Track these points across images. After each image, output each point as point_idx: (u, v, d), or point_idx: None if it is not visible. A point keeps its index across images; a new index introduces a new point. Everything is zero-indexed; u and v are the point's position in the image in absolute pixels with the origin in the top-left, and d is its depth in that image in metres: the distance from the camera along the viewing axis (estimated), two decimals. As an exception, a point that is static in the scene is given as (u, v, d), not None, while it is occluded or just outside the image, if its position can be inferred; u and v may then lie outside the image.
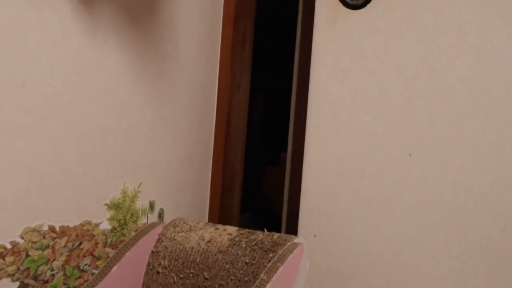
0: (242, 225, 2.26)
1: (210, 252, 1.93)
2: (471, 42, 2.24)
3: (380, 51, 2.41)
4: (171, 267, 1.96)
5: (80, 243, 1.88)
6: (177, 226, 2.05)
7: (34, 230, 1.68)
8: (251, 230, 1.99)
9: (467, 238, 2.26)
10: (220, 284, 1.88)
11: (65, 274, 1.83)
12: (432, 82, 2.31)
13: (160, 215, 2.29)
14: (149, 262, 1.99)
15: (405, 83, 2.36)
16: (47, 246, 1.74)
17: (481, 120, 2.23)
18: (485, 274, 2.23)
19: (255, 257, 1.86)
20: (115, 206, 2.02)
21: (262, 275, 1.70)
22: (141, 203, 2.16)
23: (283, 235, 1.93)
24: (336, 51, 2.50)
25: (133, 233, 2.09)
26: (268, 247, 1.86)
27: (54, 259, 1.77)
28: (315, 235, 2.52)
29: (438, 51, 2.30)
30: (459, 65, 2.26)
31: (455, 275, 2.28)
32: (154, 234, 2.03)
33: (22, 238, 1.64)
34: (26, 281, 1.68)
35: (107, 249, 2.00)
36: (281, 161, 4.40)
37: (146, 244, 2.00)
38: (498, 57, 2.20)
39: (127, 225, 2.09)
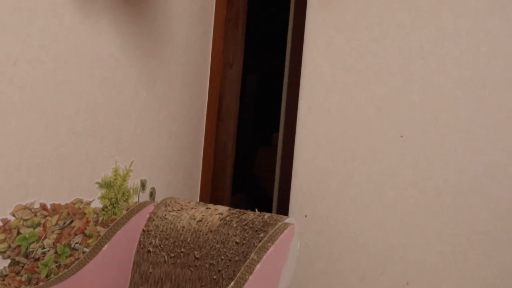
0: (233, 206, 2.27)
1: (201, 231, 1.94)
2: (466, 25, 2.24)
3: (373, 33, 2.41)
4: (162, 246, 1.97)
5: (71, 221, 1.88)
6: (169, 205, 2.06)
7: (25, 207, 1.68)
8: (242, 210, 2.00)
9: (458, 220, 2.27)
10: (211, 264, 1.89)
11: (56, 252, 1.83)
12: (425, 64, 2.31)
13: (152, 194, 2.30)
14: (140, 241, 2.00)
15: (398, 65, 2.36)
16: (38, 224, 1.74)
17: (474, 103, 2.23)
18: (476, 256, 2.25)
19: (246, 237, 1.86)
20: (106, 185, 2.02)
21: (252, 254, 1.71)
22: (133, 182, 2.17)
23: (274, 215, 1.93)
24: (329, 32, 2.50)
25: (124, 212, 2.09)
26: (259, 227, 1.87)
27: (45, 237, 1.78)
28: (306, 216, 2.53)
29: (432, 33, 2.30)
30: (452, 48, 2.26)
31: (446, 257, 2.30)
32: (146, 213, 2.03)
33: (14, 215, 1.65)
34: (17, 258, 1.68)
35: (98, 228, 2.00)
36: (273, 141, 4.41)
37: (137, 223, 2.00)
38: (492, 40, 2.20)
39: (119, 204, 2.09)
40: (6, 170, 1.61)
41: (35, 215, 1.72)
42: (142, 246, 1.99)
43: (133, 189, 2.17)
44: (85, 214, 1.93)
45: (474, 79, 2.23)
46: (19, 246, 1.68)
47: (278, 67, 3.20)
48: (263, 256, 1.71)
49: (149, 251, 1.98)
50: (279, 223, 1.86)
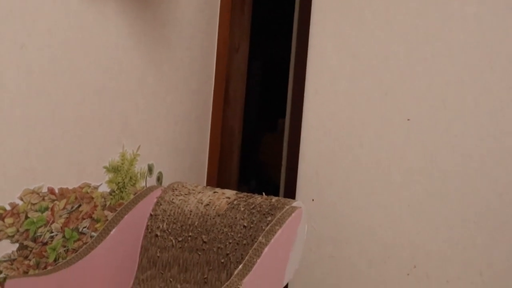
0: (240, 190, 2.26)
1: (208, 215, 1.94)
2: (472, 9, 2.23)
3: (380, 18, 2.40)
4: (169, 230, 1.97)
5: (79, 206, 1.88)
6: (176, 189, 2.06)
7: (33, 192, 1.68)
8: (249, 194, 2.00)
9: (466, 205, 2.27)
10: (219, 247, 1.89)
11: (64, 236, 1.84)
12: (432, 48, 2.30)
13: (159, 179, 2.30)
14: (147, 225, 2.00)
15: (404, 49, 2.35)
16: (46, 208, 1.74)
17: (481, 87, 2.22)
18: (484, 241, 2.25)
19: (254, 221, 1.86)
20: (114, 169, 2.02)
21: (260, 238, 1.71)
22: (140, 167, 2.17)
23: (281, 198, 1.93)
24: (336, 16, 2.49)
25: (131, 196, 2.09)
26: (267, 210, 1.87)
27: (53, 221, 1.78)
28: (313, 200, 2.53)
29: (439, 18, 2.29)
30: (459, 32, 2.26)
31: (454, 242, 2.30)
32: (153, 197, 2.03)
33: (22, 200, 1.65)
34: (25, 242, 1.69)
35: (106, 212, 2.01)
36: (279, 127, 4.41)
37: (145, 207, 2.00)
38: (499, 24, 2.19)
39: (126, 188, 2.09)
40: (14, 155, 1.61)
41: (43, 199, 1.73)
42: (149, 230, 1.99)
43: (140, 174, 2.17)
44: (92, 198, 1.94)
45: (481, 64, 2.22)
46: (27, 230, 1.69)
47: (284, 52, 3.20)
48: (271, 239, 1.71)
49: (156, 235, 1.98)
50: (287, 207, 1.86)
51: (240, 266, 1.64)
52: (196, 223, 1.95)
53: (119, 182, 2.06)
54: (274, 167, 3.58)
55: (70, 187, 1.84)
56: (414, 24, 2.33)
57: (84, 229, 1.92)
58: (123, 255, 1.94)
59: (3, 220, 1.60)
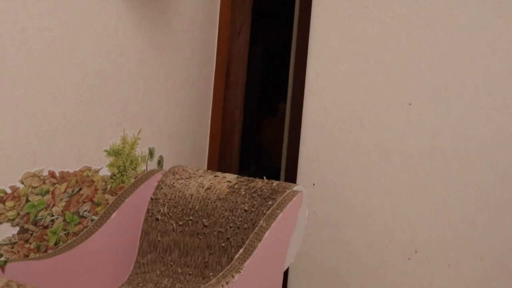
0: (241, 174, 2.26)
1: (209, 199, 1.94)
2: (474, -9, 2.23)
3: (381, 0, 2.39)
4: (170, 214, 1.97)
5: (80, 189, 1.88)
6: (177, 173, 2.06)
7: (34, 175, 1.68)
8: (250, 178, 2.00)
9: (466, 188, 2.27)
10: (219, 231, 1.89)
11: (64, 220, 1.83)
12: (433, 31, 2.29)
13: (160, 162, 2.29)
14: (148, 209, 2.00)
15: (406, 32, 2.34)
16: (47, 192, 1.74)
17: (482, 70, 2.22)
18: (484, 224, 2.25)
19: (254, 205, 1.86)
20: (114, 153, 2.02)
21: (261, 222, 1.71)
22: (141, 150, 2.16)
23: (282, 183, 1.93)
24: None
25: (132, 180, 2.09)
26: (268, 194, 1.87)
27: (54, 205, 1.77)
28: (314, 184, 2.53)
29: (440, 0, 2.28)
30: (461, 15, 2.25)
31: (455, 225, 2.30)
32: (154, 181, 2.03)
33: (22, 183, 1.64)
34: (26, 226, 1.68)
35: (107, 196, 2.00)
36: (280, 111, 4.41)
37: (146, 191, 2.00)
38: (499, 6, 2.18)
39: (127, 172, 2.09)
40: (14, 138, 1.60)
41: (44, 183, 1.72)
42: (150, 214, 1.99)
43: (141, 157, 2.16)
44: (93, 182, 1.93)
45: (482, 46, 2.22)
46: (28, 213, 1.68)
47: (285, 35, 3.18)
48: (272, 223, 1.71)
49: (157, 219, 1.98)
50: (288, 191, 1.86)
51: (241, 250, 1.64)
52: (197, 207, 1.95)
53: (120, 166, 2.05)
54: (275, 151, 3.57)
55: (71, 171, 1.83)
56: (416, 6, 2.32)
57: (85, 212, 1.92)
58: (123, 238, 1.94)
59: (3, 203, 1.60)
